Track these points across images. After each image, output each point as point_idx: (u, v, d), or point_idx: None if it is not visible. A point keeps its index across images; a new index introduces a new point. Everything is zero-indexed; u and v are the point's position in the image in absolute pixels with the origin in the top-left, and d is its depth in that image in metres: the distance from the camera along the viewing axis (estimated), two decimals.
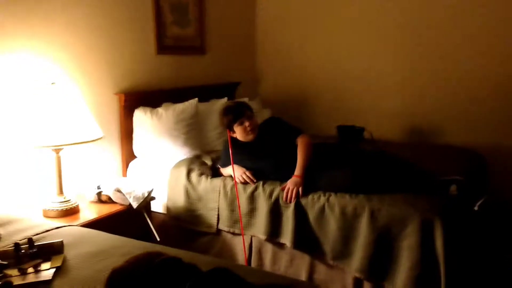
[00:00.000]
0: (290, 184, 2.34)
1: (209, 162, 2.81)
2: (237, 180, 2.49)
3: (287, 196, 2.31)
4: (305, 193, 2.33)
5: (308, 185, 2.36)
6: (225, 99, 3.31)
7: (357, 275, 2.16)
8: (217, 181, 2.58)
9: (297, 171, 2.37)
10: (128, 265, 1.11)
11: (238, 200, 2.44)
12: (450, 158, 2.87)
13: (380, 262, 2.12)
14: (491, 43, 3.31)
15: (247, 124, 2.54)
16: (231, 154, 2.50)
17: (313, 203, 2.29)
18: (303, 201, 2.32)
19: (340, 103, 3.91)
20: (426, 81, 3.59)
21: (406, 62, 3.64)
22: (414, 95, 3.64)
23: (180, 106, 2.93)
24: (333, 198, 2.27)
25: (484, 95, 3.40)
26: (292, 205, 2.32)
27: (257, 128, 2.61)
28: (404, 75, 3.66)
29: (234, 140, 2.61)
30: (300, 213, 2.31)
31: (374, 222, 2.13)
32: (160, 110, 2.90)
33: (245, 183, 2.48)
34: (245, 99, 3.30)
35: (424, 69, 3.58)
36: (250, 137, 2.56)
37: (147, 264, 1.09)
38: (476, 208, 2.20)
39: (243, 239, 2.46)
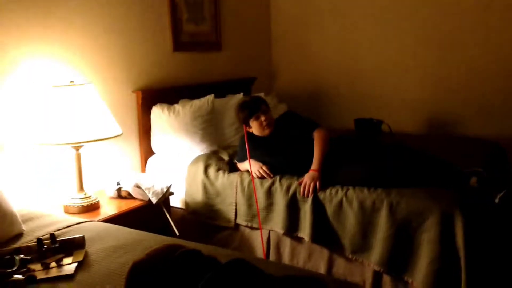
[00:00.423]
0: (307, 178, 2.33)
1: (226, 158, 2.81)
2: (254, 175, 2.48)
3: (304, 190, 2.31)
4: (323, 187, 2.32)
5: (326, 179, 2.35)
6: (241, 94, 3.30)
7: (377, 268, 2.15)
8: (234, 176, 2.58)
9: (314, 165, 2.37)
10: (148, 258, 1.13)
11: (256, 195, 2.44)
12: (470, 150, 2.83)
13: (399, 255, 2.11)
14: None
15: (263, 118, 2.54)
16: (248, 149, 2.50)
17: (331, 197, 2.28)
18: (321, 195, 2.31)
19: (357, 96, 3.88)
20: (445, 72, 3.54)
21: (424, 53, 3.59)
22: (433, 87, 3.59)
23: (196, 103, 2.94)
24: (351, 192, 2.25)
25: (506, 86, 3.33)
26: (309, 199, 2.31)
27: (273, 122, 2.61)
28: (423, 66, 3.61)
29: (251, 135, 2.61)
30: (318, 208, 2.31)
31: (393, 216, 2.11)
32: (177, 106, 2.92)
33: (262, 177, 2.48)
34: (261, 94, 3.30)
35: (443, 60, 3.53)
36: (266, 132, 2.57)
37: (167, 257, 1.11)
38: (497, 200, 2.15)
39: (261, 234, 2.46)
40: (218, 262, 1.12)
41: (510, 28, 3.26)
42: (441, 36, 3.51)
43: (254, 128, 2.58)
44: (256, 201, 2.44)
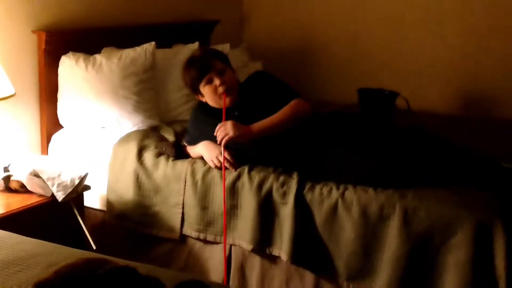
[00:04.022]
0: (229, 124, 2.37)
1: (171, 137, 2.80)
2: (210, 163, 2.52)
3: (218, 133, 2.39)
4: (311, 184, 2.36)
5: (314, 172, 2.40)
6: (196, 44, 3.27)
7: None
8: (183, 165, 2.58)
9: (255, 124, 2.42)
10: (58, 276, 1.12)
11: (224, 192, 2.43)
12: None
13: (415, 282, 2.15)
14: None
15: (217, 82, 2.53)
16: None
17: (321, 199, 2.31)
18: (308, 195, 2.34)
19: (362, 57, 3.91)
20: (487, 31, 3.59)
21: (458, 2, 3.63)
22: (469, 50, 3.65)
23: (129, 53, 2.92)
24: (350, 192, 2.28)
25: None
26: (291, 200, 2.33)
27: (236, 88, 2.61)
28: (455, 21, 3.65)
29: (206, 107, 2.62)
30: (303, 213, 2.32)
31: (408, 228, 2.16)
32: (99, 58, 2.88)
33: (221, 168, 2.48)
34: (224, 46, 3.27)
35: (485, 15, 3.57)
36: (226, 102, 2.54)
37: (86, 276, 1.10)
38: None
39: (224, 248, 2.47)
40: (162, 285, 1.13)
41: None
42: None
43: (207, 96, 2.58)
44: (224, 201, 2.43)
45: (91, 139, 2.88)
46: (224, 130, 2.38)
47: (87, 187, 2.62)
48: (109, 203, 2.75)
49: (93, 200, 2.80)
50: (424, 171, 2.33)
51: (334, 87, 3.96)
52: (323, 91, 3.90)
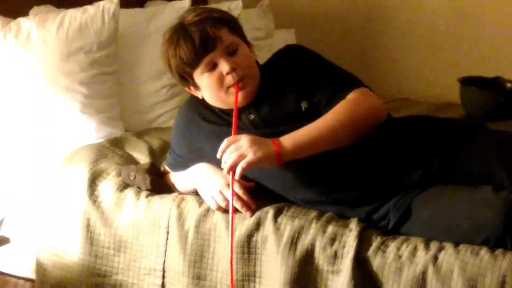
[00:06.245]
0: (245, 141, 2.18)
1: (144, 158, 2.77)
2: (209, 202, 2.39)
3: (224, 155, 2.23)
4: (381, 239, 2.20)
5: (386, 219, 2.26)
6: (186, 1, 3.28)
7: None
8: (164, 205, 2.47)
9: (287, 137, 2.25)
10: None
11: (232, 251, 2.27)
12: None
13: None
14: None
15: (225, 67, 2.35)
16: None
17: (400, 265, 2.12)
18: (376, 259, 2.15)
19: (470, 26, 3.88)
20: None
21: None
22: None
23: (75, 16, 2.92)
24: (447, 255, 2.09)
25: None
26: (346, 267, 2.15)
27: (255, 75, 2.45)
28: None
29: (203, 106, 2.52)
30: (367, 286, 2.16)
31: None
32: (27, 23, 2.89)
33: (226, 211, 2.35)
34: (234, 5, 3.37)
35: None
36: (236, 99, 2.38)
37: None
38: None
39: None
40: None
41: None
42: None
43: (207, 88, 2.43)
44: (232, 265, 2.25)
45: (10, 161, 2.86)
46: (237, 150, 2.16)
47: (5, 240, 2.57)
48: (40, 268, 2.65)
49: (14, 262, 2.74)
50: None
51: (420, 76, 3.88)
52: (402, 82, 3.85)
